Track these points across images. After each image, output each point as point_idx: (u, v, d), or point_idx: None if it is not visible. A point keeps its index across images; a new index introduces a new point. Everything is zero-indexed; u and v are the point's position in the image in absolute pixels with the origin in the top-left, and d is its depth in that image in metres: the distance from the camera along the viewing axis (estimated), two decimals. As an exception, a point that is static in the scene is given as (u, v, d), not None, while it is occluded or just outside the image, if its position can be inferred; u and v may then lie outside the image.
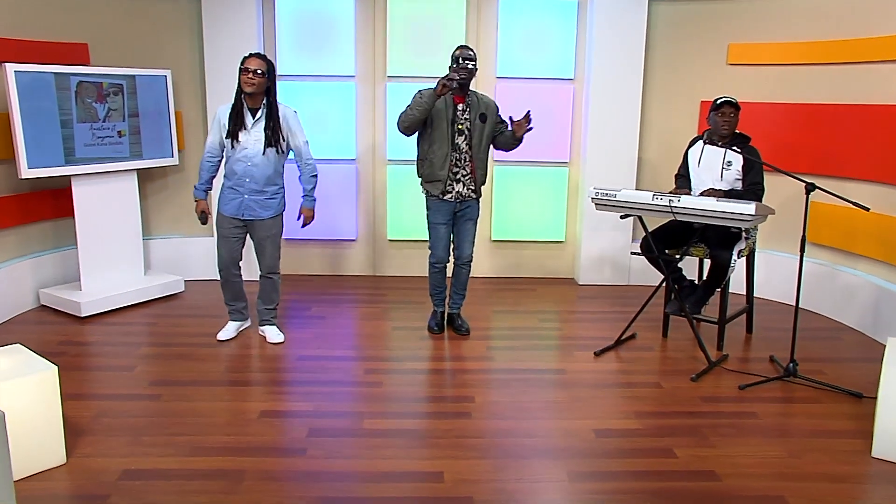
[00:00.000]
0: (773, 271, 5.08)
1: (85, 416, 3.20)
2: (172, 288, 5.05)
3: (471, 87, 4.11)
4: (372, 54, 5.36)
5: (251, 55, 3.82)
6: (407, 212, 5.53)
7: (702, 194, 3.98)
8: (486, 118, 4.09)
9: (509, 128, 4.16)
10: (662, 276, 4.18)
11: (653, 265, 4.27)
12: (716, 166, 4.08)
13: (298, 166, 4.03)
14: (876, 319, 4.34)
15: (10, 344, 3.03)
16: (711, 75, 5.21)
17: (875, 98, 4.42)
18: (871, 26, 4.43)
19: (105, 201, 4.78)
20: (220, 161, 4.01)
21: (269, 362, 3.90)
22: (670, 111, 5.36)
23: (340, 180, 5.49)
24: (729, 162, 4.04)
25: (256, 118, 3.85)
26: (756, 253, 4.42)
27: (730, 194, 4.00)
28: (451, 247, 4.31)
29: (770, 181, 4.32)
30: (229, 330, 4.24)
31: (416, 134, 4.10)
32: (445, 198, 4.12)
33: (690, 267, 4.70)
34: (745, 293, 4.50)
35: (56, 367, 2.75)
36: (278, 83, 5.29)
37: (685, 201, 3.70)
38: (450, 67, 4.04)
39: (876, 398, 3.37)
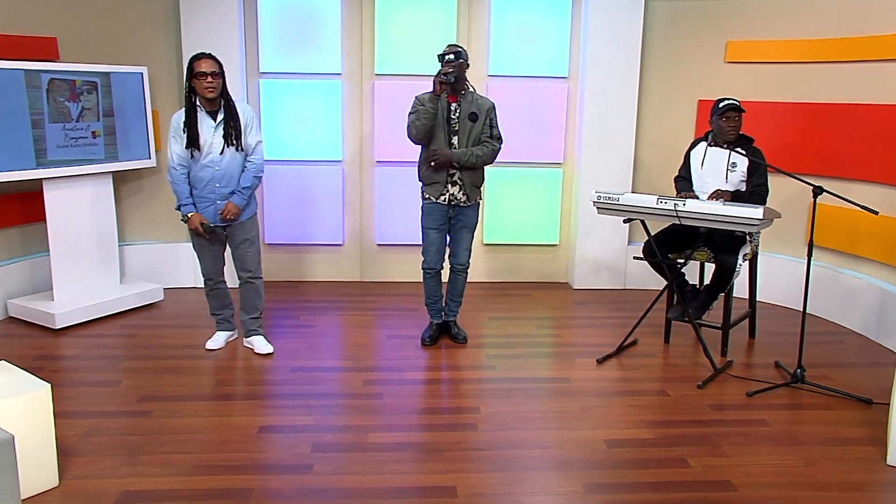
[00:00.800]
0: (773, 274, 5.23)
1: (72, 436, 3.20)
2: (151, 297, 5.04)
3: (470, 88, 4.15)
4: (359, 51, 5.40)
5: (200, 56, 3.78)
6: (396, 215, 5.57)
7: (710, 196, 4.10)
8: (476, 118, 4.12)
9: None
10: (663, 281, 4.28)
11: (655, 270, 4.37)
12: (720, 168, 4.19)
13: (246, 164, 3.98)
14: (880, 323, 4.50)
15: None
16: (709, 74, 5.34)
17: (878, 98, 4.58)
18: (872, 24, 4.59)
19: (79, 206, 4.75)
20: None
21: (261, 375, 3.92)
22: (667, 110, 5.48)
23: (326, 183, 5.52)
24: (734, 164, 4.16)
25: (218, 122, 3.85)
26: (759, 256, 4.54)
27: (735, 196, 4.11)
28: (447, 252, 4.36)
29: (770, 182, 4.45)
30: (218, 340, 4.26)
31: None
32: (439, 200, 4.18)
33: (691, 271, 4.82)
34: (747, 297, 4.63)
35: (49, 385, 2.75)
36: (261, 81, 5.35)
37: (691, 205, 3.80)
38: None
39: (886, 404, 3.54)
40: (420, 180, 4.25)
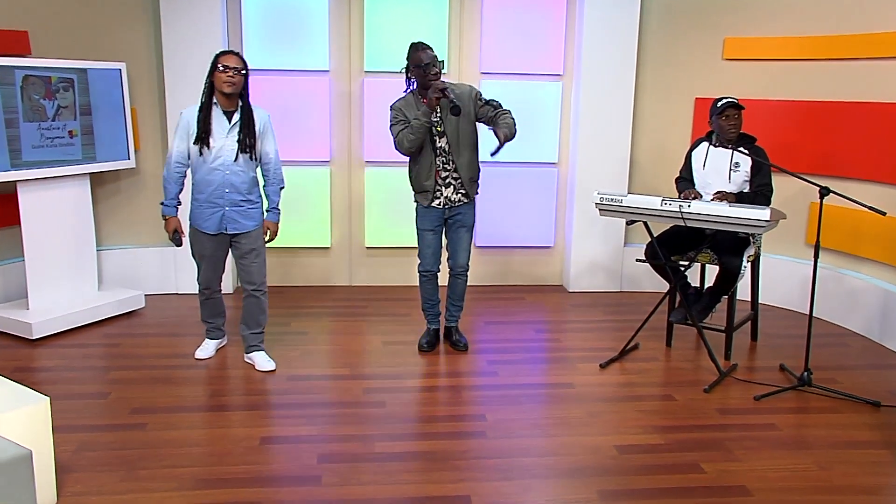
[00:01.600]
0: (773, 276, 5.37)
1: (65, 451, 3.20)
2: (131, 304, 5.03)
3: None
4: (348, 47, 5.44)
5: (227, 52, 3.83)
6: (386, 217, 5.63)
7: (713, 198, 4.21)
8: (458, 111, 4.00)
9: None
10: (660, 283, 4.39)
11: (658, 272, 4.48)
12: (723, 169, 4.31)
13: (265, 176, 4.01)
14: (883, 324, 4.65)
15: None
16: (707, 71, 5.48)
17: (877, 96, 4.74)
18: (872, 22, 4.75)
19: (55, 209, 4.73)
20: (187, 171, 3.96)
21: (256, 384, 3.95)
22: (664, 109, 5.61)
23: (313, 184, 5.55)
24: (737, 164, 4.28)
25: (233, 122, 3.84)
26: (761, 258, 4.67)
27: (739, 197, 4.23)
28: (446, 255, 4.42)
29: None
30: (208, 348, 4.27)
31: None
32: (434, 204, 4.24)
33: (691, 274, 4.93)
34: (748, 300, 4.76)
35: (48, 399, 2.76)
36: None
37: (696, 207, 3.91)
38: (409, 69, 4.10)
39: (895, 406, 3.68)
40: (411, 186, 4.31)
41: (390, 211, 5.61)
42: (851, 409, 3.77)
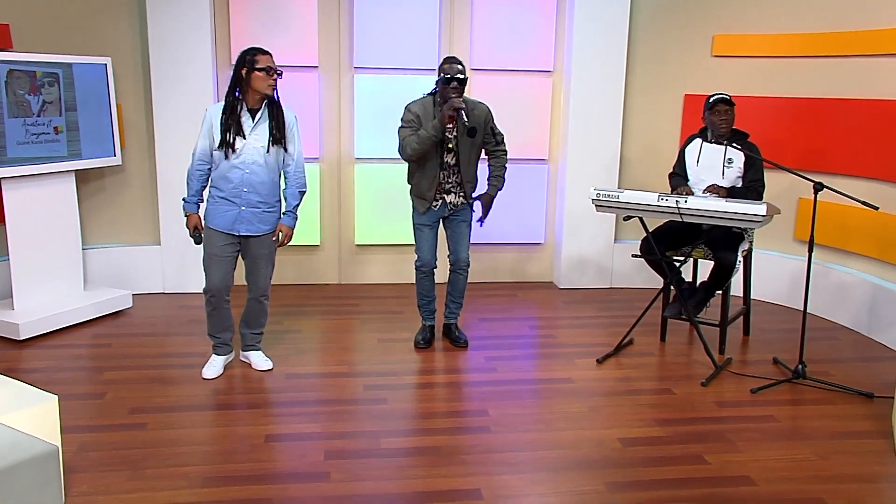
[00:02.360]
0: (762, 271, 5.50)
1: (67, 451, 3.20)
2: (119, 304, 5.01)
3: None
4: (337, 42, 5.48)
5: (264, 52, 3.74)
6: (376, 215, 5.67)
7: (706, 191, 4.33)
8: (474, 132, 4.20)
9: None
10: (651, 279, 4.49)
11: (653, 268, 4.58)
12: (717, 165, 4.43)
13: (286, 177, 3.94)
14: (871, 318, 4.81)
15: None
16: (696, 68, 5.60)
17: (866, 92, 4.89)
18: (861, 19, 4.90)
19: (40, 207, 4.71)
20: (210, 169, 3.89)
21: (254, 383, 3.97)
22: (653, 105, 5.72)
23: (302, 180, 5.57)
24: (730, 160, 4.40)
25: (256, 120, 3.77)
26: (753, 253, 4.80)
27: (731, 192, 4.35)
28: (446, 252, 4.48)
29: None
30: (216, 366, 4.06)
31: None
32: (434, 207, 4.33)
33: (684, 269, 5.04)
34: (741, 295, 4.89)
35: (57, 398, 2.77)
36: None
37: (693, 202, 4.02)
38: (437, 82, 4.18)
39: (887, 398, 3.84)
40: (410, 190, 4.39)
41: (380, 208, 5.65)
42: (845, 400, 3.90)
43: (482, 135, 4.29)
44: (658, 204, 4.12)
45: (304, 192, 4.00)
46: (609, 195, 4.25)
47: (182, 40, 5.13)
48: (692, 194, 4.41)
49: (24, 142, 4.59)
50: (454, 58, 4.22)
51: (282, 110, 3.84)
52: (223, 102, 3.79)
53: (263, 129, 3.79)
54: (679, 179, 4.63)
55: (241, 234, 3.85)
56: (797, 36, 5.23)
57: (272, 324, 4.82)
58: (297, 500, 2.88)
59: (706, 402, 3.87)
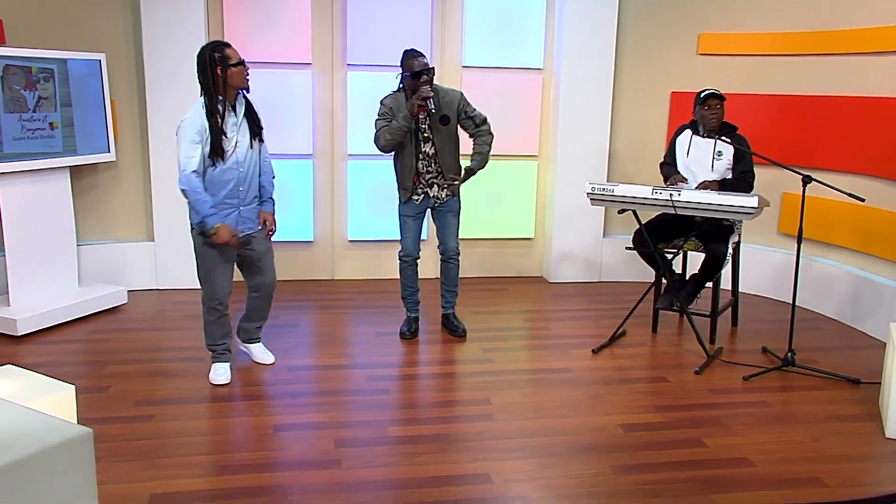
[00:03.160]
0: (747, 264, 5.63)
1: (76, 442, 3.22)
2: (114, 300, 5.01)
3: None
4: (330, 39, 5.52)
5: (226, 45, 3.64)
6: (368, 211, 5.72)
7: (698, 187, 4.44)
8: (447, 120, 4.28)
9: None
10: (640, 272, 4.59)
11: (645, 260, 4.69)
12: (706, 157, 4.54)
13: (262, 166, 3.89)
14: (854, 308, 4.95)
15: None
16: (682, 66, 5.72)
17: (849, 90, 5.03)
18: (845, 18, 5.04)
19: (36, 203, 4.70)
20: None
21: (257, 375, 4.01)
22: (641, 102, 5.84)
23: (295, 178, 5.60)
24: (720, 152, 4.52)
25: (240, 116, 3.72)
26: (741, 245, 4.92)
27: (723, 184, 4.47)
28: (436, 243, 4.55)
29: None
30: (225, 372, 3.93)
31: None
32: (413, 199, 4.41)
33: (674, 261, 5.16)
34: (729, 287, 5.01)
35: (74, 387, 2.80)
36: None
37: (686, 195, 4.12)
38: (404, 77, 4.25)
39: (873, 383, 3.99)
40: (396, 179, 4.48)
41: (373, 204, 5.70)
42: (833, 386, 4.03)
43: (456, 121, 4.35)
44: (652, 197, 4.22)
45: (275, 177, 3.98)
46: (604, 189, 4.34)
47: (176, 36, 5.14)
48: (686, 181, 4.53)
49: (20, 137, 4.58)
50: (415, 50, 4.23)
51: (251, 101, 3.78)
52: (201, 109, 3.60)
53: (245, 124, 3.74)
54: (670, 168, 4.73)
55: (245, 233, 3.81)
56: (781, 35, 5.37)
57: (269, 318, 4.85)
58: (313, 487, 2.93)
59: (701, 389, 3.98)
